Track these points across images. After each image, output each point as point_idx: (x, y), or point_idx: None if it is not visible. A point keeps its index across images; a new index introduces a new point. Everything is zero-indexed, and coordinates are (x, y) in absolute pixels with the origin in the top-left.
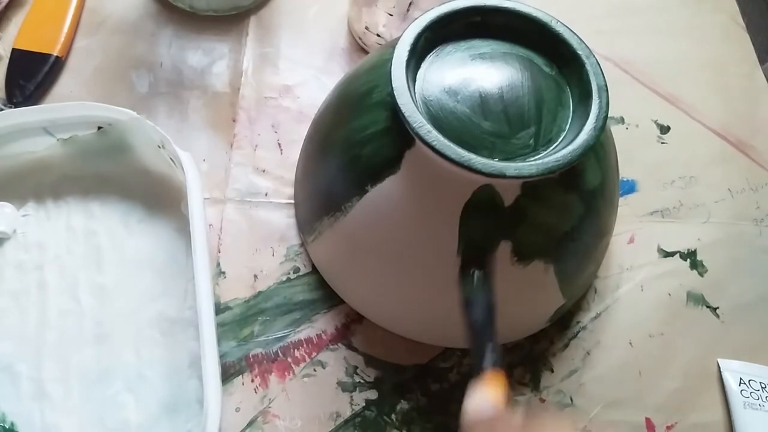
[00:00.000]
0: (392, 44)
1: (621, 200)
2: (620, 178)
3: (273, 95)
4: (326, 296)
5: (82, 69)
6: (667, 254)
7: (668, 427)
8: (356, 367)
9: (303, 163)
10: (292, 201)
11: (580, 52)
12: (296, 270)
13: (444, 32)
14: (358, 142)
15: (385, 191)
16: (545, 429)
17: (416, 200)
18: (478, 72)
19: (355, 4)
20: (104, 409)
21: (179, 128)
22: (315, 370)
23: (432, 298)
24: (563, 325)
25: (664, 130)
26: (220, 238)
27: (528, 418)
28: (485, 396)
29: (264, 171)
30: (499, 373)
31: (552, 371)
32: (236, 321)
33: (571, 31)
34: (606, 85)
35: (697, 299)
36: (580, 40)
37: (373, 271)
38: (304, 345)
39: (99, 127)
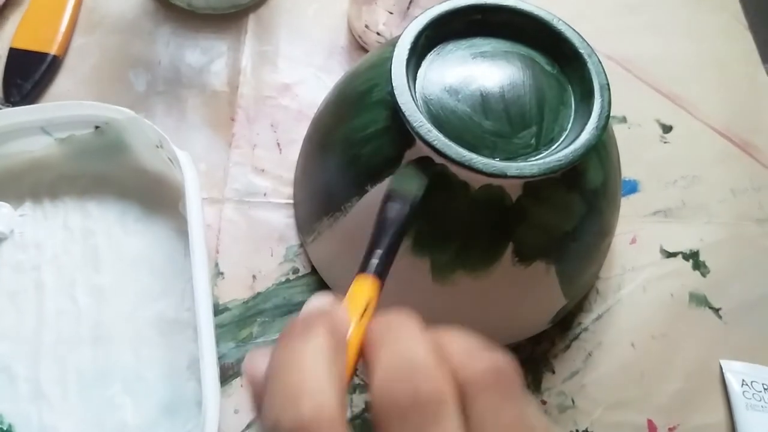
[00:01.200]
0: (392, 42)
1: (623, 200)
2: (622, 177)
3: (272, 94)
4: None
5: (79, 68)
6: (670, 255)
7: (670, 429)
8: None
9: (302, 163)
10: (292, 201)
11: (582, 51)
12: (295, 271)
13: (445, 30)
14: (357, 142)
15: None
16: (390, 333)
17: None
18: (479, 71)
19: (354, 3)
20: (102, 410)
21: (177, 127)
22: None
23: (432, 299)
24: (565, 326)
25: (667, 129)
26: (218, 239)
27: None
28: (331, 295)
29: (263, 171)
30: (373, 281)
31: (553, 372)
32: (235, 322)
33: (573, 29)
34: (608, 84)
35: (699, 300)
36: (582, 38)
37: None
38: None
39: (96, 127)
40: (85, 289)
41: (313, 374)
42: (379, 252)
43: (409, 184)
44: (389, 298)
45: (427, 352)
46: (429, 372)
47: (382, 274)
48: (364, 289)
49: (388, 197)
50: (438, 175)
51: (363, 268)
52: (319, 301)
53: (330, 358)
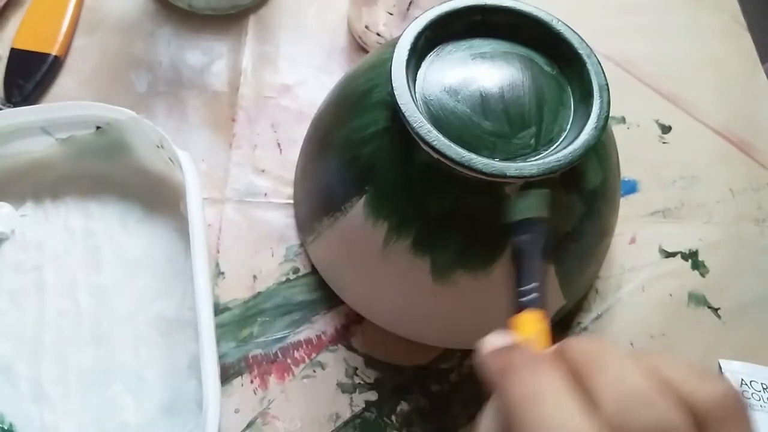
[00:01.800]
0: (392, 43)
1: (622, 200)
2: (621, 178)
3: (272, 95)
4: (326, 297)
5: (80, 68)
6: (669, 255)
7: None
8: (356, 368)
9: (302, 163)
10: (292, 201)
11: (581, 52)
12: (296, 270)
13: (444, 31)
14: (357, 142)
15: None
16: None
17: None
18: (478, 71)
19: (354, 3)
20: (103, 410)
21: (178, 128)
22: (314, 371)
23: (432, 299)
24: (564, 325)
25: (666, 129)
26: (219, 239)
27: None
28: (505, 331)
29: (263, 171)
30: (538, 314)
31: None
32: (235, 322)
33: (572, 30)
34: (607, 85)
35: (698, 300)
36: (581, 39)
37: (373, 272)
38: (304, 346)
39: (97, 127)
40: (86, 289)
41: (572, 418)
42: (534, 285)
43: (529, 208)
44: (390, 299)
45: (648, 380)
46: (660, 402)
47: (543, 306)
48: (534, 324)
49: (517, 229)
50: (438, 175)
51: (525, 305)
52: (499, 339)
53: (571, 392)
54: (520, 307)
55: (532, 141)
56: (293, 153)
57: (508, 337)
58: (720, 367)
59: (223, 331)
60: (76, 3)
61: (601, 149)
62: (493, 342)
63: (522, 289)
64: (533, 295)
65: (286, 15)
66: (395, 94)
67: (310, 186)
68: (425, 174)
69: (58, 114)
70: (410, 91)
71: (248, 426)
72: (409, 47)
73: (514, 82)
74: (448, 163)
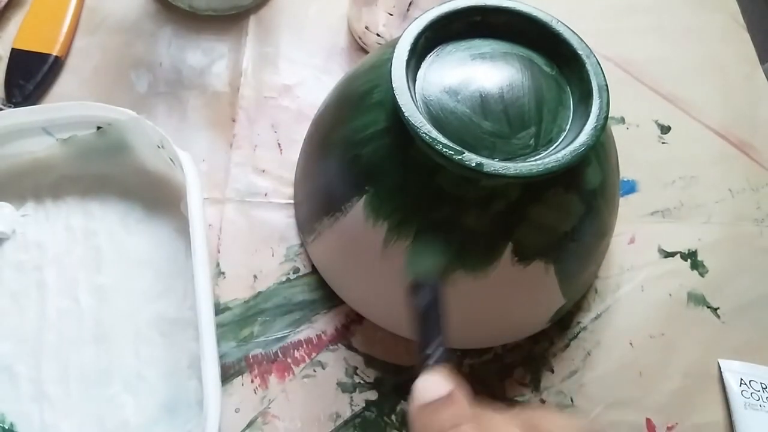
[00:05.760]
0: (392, 44)
1: (621, 200)
2: (621, 178)
3: (273, 95)
4: (326, 296)
5: (81, 69)
6: (668, 254)
7: (669, 428)
8: (356, 368)
9: (303, 163)
10: (292, 201)
11: (580, 52)
12: (296, 270)
13: (444, 32)
14: (358, 142)
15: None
16: (497, 426)
17: None
18: (478, 72)
19: (354, 4)
20: (103, 409)
21: (179, 128)
22: (315, 371)
23: None
24: (563, 325)
25: (665, 130)
26: (219, 239)
27: (482, 410)
28: (434, 379)
29: (264, 171)
30: (446, 367)
31: (552, 372)
32: (236, 321)
33: (572, 30)
34: (606, 85)
35: (697, 299)
36: (581, 39)
37: (373, 272)
38: (304, 345)
39: (98, 127)
40: (87, 288)
41: None
42: (438, 339)
43: (424, 265)
44: (390, 298)
45: None
46: None
47: (449, 359)
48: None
49: (412, 289)
50: (438, 175)
51: (436, 360)
52: (430, 388)
53: None
54: (430, 363)
55: (532, 141)
56: (293, 153)
57: (436, 386)
58: (719, 367)
59: (223, 330)
60: (77, 3)
61: (601, 149)
62: (424, 390)
63: (428, 351)
64: (439, 351)
65: (286, 16)
66: (395, 94)
67: (311, 186)
68: (425, 174)
69: (59, 114)
70: (410, 91)
71: (248, 425)
72: (409, 47)
73: (514, 83)
74: (447, 163)
